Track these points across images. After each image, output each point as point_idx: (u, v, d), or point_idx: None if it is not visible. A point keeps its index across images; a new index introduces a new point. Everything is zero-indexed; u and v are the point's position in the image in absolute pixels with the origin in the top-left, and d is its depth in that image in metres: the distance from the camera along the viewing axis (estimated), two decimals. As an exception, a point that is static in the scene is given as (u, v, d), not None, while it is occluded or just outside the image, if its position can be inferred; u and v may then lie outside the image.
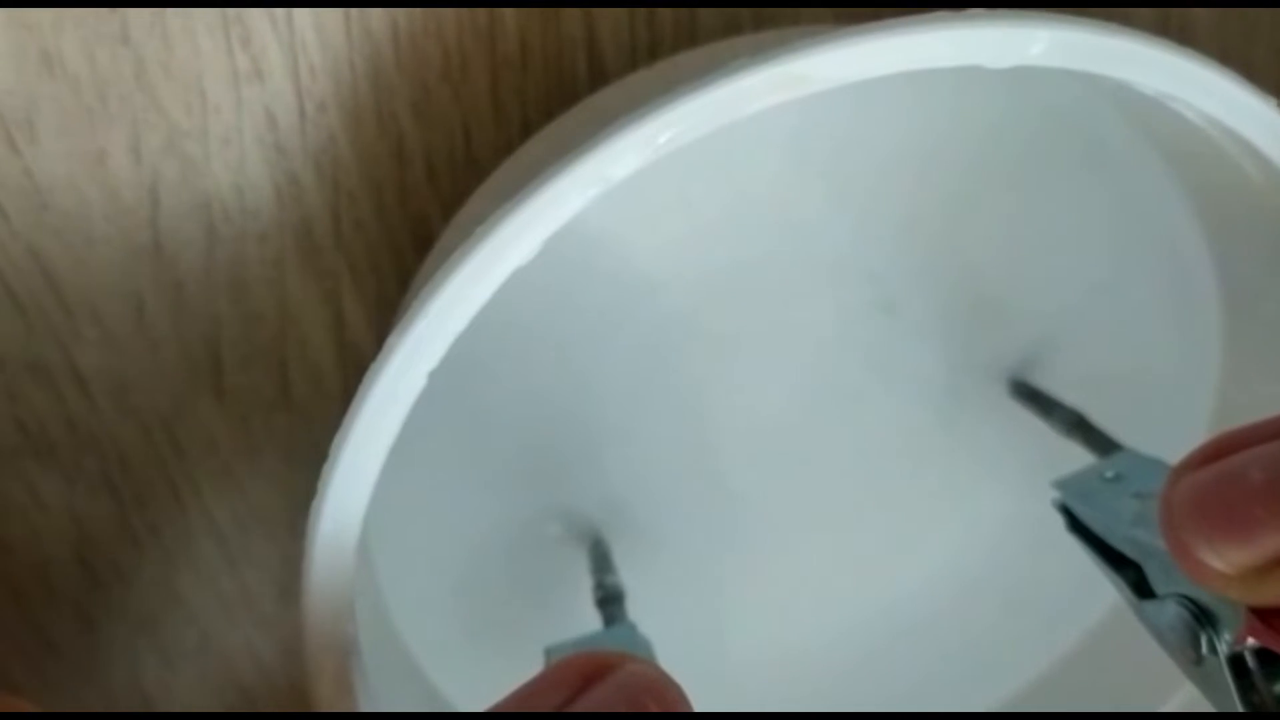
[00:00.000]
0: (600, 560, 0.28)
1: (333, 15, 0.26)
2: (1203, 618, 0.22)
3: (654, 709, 0.19)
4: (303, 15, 0.26)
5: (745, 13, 0.28)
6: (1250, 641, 0.21)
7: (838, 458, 0.30)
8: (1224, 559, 0.20)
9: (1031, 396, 0.29)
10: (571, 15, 0.27)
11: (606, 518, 0.29)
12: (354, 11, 0.26)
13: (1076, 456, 0.27)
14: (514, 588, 0.29)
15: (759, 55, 0.20)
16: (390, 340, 0.21)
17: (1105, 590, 0.25)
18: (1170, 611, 0.22)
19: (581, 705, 0.19)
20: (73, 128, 0.26)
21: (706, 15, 0.27)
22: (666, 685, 0.19)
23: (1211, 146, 0.24)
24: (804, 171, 0.28)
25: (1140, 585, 0.23)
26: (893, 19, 0.21)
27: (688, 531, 0.30)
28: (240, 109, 0.26)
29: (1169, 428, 0.28)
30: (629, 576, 0.28)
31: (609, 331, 0.28)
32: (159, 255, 0.27)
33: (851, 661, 0.31)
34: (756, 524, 0.30)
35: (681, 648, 0.24)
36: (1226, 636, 0.21)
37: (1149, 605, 0.23)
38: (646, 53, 0.27)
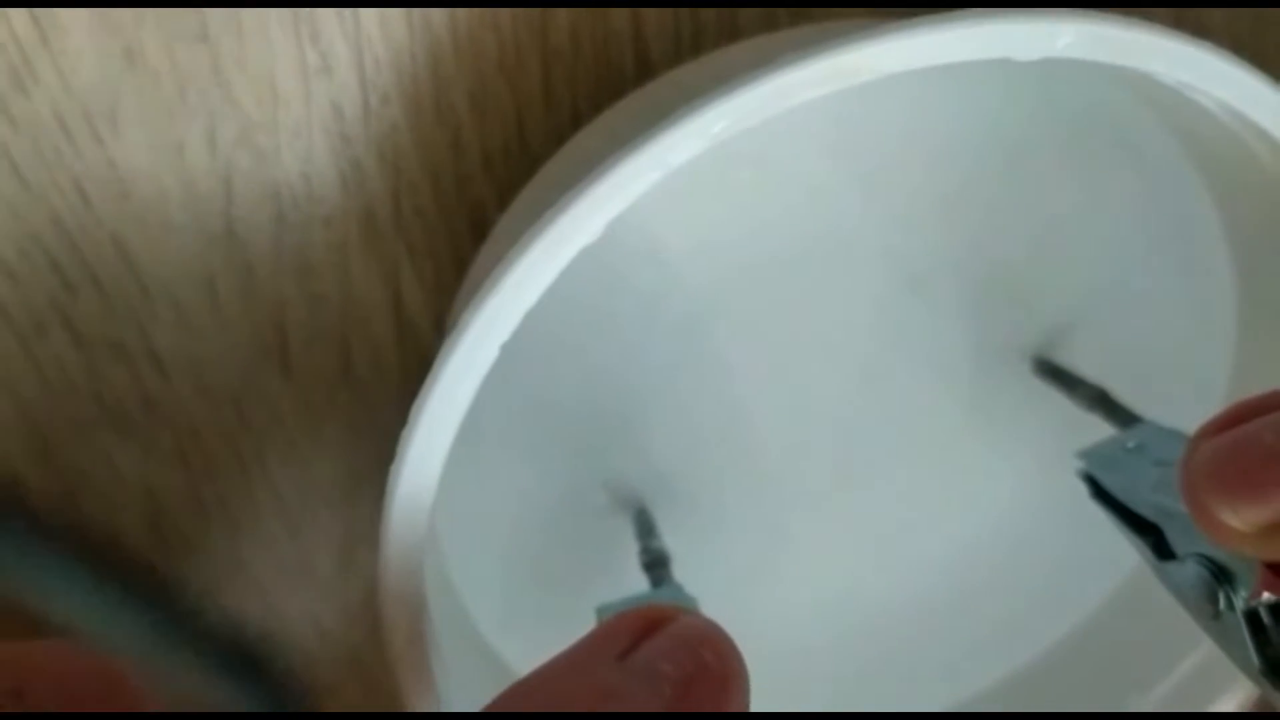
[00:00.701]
0: (644, 526, 0.30)
1: (396, 12, 0.27)
2: (1220, 575, 0.23)
3: (709, 658, 0.20)
4: (369, 12, 0.27)
5: (783, 11, 0.29)
6: (1265, 596, 0.22)
7: (868, 431, 0.32)
8: (1241, 518, 0.21)
9: (1054, 374, 0.30)
10: (619, 9, 0.28)
11: (650, 487, 0.31)
12: (415, 8, 0.27)
13: (1094, 430, 0.29)
14: (565, 552, 0.31)
15: (808, 49, 0.22)
16: (466, 315, 0.22)
17: (1120, 560, 0.26)
18: (1190, 570, 0.24)
19: (641, 655, 0.20)
20: (153, 120, 0.27)
21: (747, 11, 0.29)
22: (720, 635, 0.21)
23: (1226, 132, 0.26)
24: (837, 161, 0.29)
25: (1161, 547, 0.25)
26: (929, 15, 0.22)
27: (726, 501, 0.32)
28: (309, 102, 0.28)
29: (1185, 401, 0.29)
30: (673, 543, 0.29)
31: (652, 312, 0.30)
32: (231, 240, 0.29)
33: (880, 622, 0.33)
34: (791, 493, 0.32)
35: (722, 608, 0.26)
36: (1242, 592, 0.23)
37: (1169, 566, 0.24)
38: (690, 44, 0.29)
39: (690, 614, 0.21)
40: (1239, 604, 0.23)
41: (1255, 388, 0.30)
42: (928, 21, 0.22)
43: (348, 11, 0.27)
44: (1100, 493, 0.26)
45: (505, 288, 0.22)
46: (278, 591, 0.33)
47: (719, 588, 0.28)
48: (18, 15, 0.26)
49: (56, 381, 0.29)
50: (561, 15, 0.28)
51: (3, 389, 0.29)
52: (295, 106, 0.28)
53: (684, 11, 0.29)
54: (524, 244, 0.22)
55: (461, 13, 0.28)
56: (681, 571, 0.28)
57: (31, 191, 0.27)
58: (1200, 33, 0.32)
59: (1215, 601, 0.23)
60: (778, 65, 0.22)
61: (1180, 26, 0.31)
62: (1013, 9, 0.22)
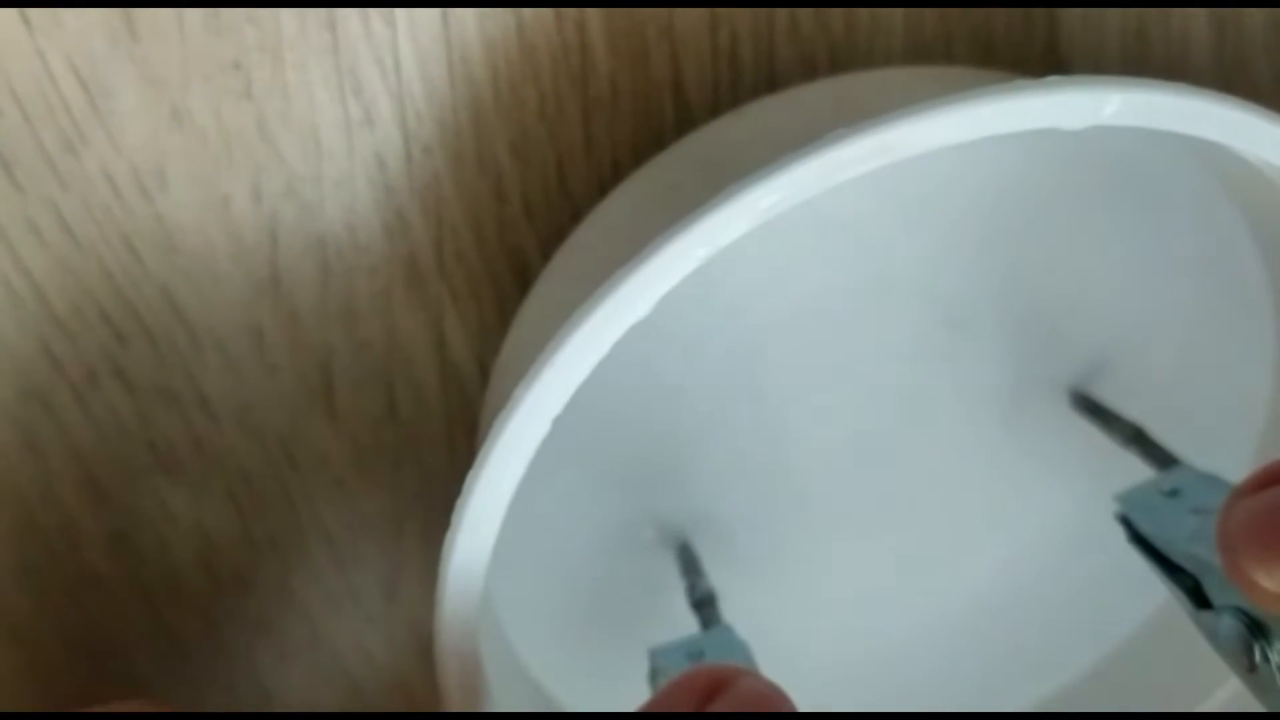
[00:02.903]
0: (689, 563, 0.30)
1: (438, 66, 0.27)
2: (1256, 630, 0.24)
3: None
4: (410, 66, 0.27)
5: (821, 50, 0.29)
6: (1301, 653, 0.23)
7: (908, 465, 0.32)
8: (1275, 580, 0.22)
9: (1092, 409, 0.30)
10: (659, 56, 0.29)
11: (694, 521, 0.31)
12: (457, 61, 0.28)
13: (1132, 462, 0.29)
14: (613, 590, 0.31)
15: (853, 127, 0.22)
16: (518, 390, 0.23)
17: (1155, 587, 0.27)
18: (1225, 623, 0.24)
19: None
20: (200, 176, 0.27)
21: (784, 55, 0.29)
22: (776, 697, 0.22)
23: (1266, 180, 0.26)
24: (878, 201, 0.29)
25: (1197, 594, 0.25)
26: (974, 89, 0.22)
27: (769, 532, 0.32)
28: (352, 154, 0.28)
29: (1224, 437, 0.30)
30: (717, 577, 0.30)
31: (695, 351, 0.30)
32: (277, 290, 0.29)
33: (918, 653, 0.34)
34: (832, 527, 0.32)
35: (766, 642, 0.27)
36: (1278, 646, 0.23)
37: (1205, 615, 0.25)
38: (729, 93, 0.29)
39: (748, 675, 0.22)
40: (1274, 658, 0.24)
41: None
42: (973, 96, 0.22)
43: (390, 66, 0.27)
44: (1137, 537, 0.27)
45: (556, 365, 0.22)
46: (326, 622, 0.33)
47: (763, 618, 0.29)
48: (65, 80, 0.26)
49: (109, 428, 0.30)
50: (602, 65, 0.28)
51: (58, 436, 0.29)
52: (339, 159, 0.28)
53: (722, 60, 0.29)
54: (573, 323, 0.22)
55: (502, 65, 0.28)
56: (725, 601, 0.29)
57: (82, 248, 0.28)
58: (1241, 45, 0.32)
59: (1251, 654, 0.24)
60: (825, 142, 0.22)
61: (1218, 29, 0.31)
62: (1058, 79, 0.23)
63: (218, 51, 0.26)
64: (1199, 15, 0.30)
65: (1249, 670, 0.24)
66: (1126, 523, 0.27)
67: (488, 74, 0.28)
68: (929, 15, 0.29)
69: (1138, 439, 0.29)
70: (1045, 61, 0.30)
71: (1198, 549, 0.25)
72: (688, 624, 0.29)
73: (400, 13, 0.27)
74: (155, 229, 0.28)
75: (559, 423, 0.26)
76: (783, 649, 0.27)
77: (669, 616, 0.29)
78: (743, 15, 0.28)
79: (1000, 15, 0.29)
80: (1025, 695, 0.34)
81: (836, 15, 0.29)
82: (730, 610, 0.29)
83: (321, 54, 0.27)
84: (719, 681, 0.21)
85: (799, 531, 0.32)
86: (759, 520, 0.32)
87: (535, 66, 0.28)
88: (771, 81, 0.29)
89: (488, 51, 0.28)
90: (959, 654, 0.34)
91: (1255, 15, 0.31)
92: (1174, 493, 0.27)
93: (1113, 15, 0.30)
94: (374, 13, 0.27)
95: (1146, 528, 0.27)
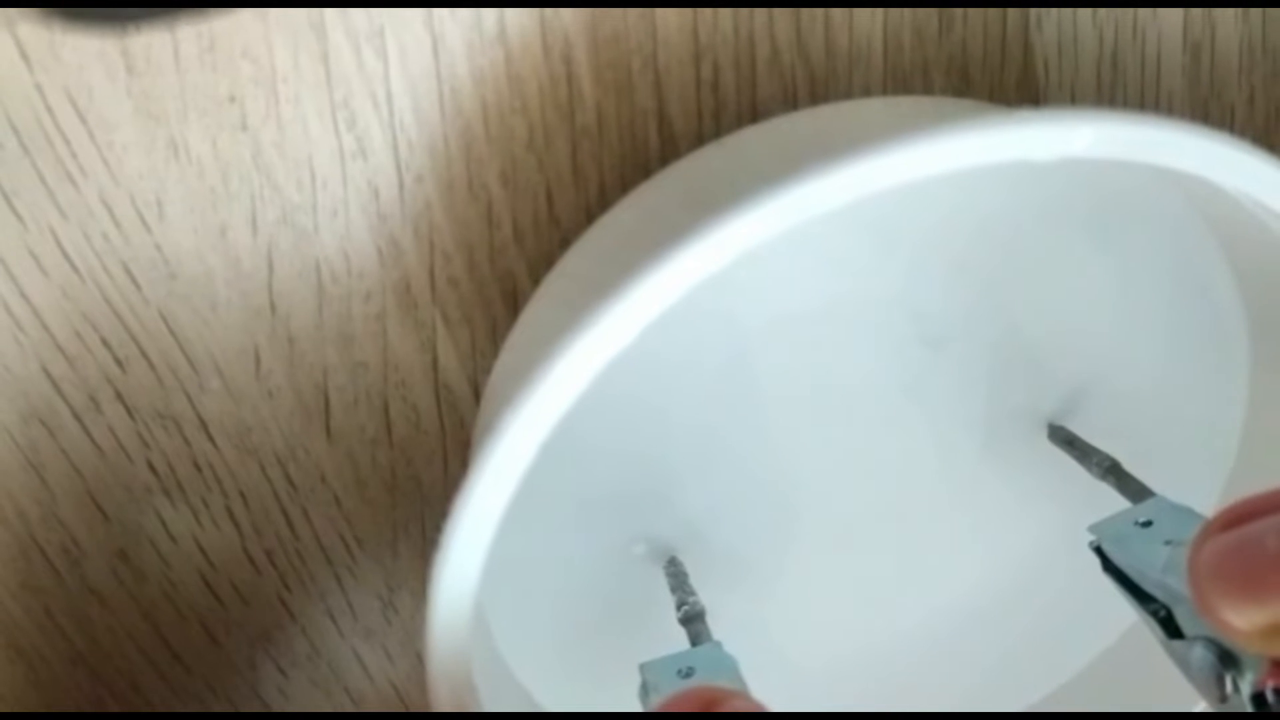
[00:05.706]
0: (677, 578, 0.31)
1: (429, 98, 0.28)
2: (1227, 659, 0.24)
3: None
4: (402, 99, 0.28)
5: (800, 78, 0.30)
6: (1271, 684, 0.23)
7: (892, 483, 0.32)
8: (1244, 618, 0.22)
9: (1068, 441, 0.31)
10: (644, 87, 0.29)
11: (683, 539, 0.32)
12: (447, 92, 0.28)
13: (1106, 491, 0.29)
14: (605, 605, 0.32)
15: (829, 162, 0.22)
16: (505, 417, 0.23)
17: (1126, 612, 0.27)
18: (1197, 653, 0.24)
19: None
20: (197, 206, 0.28)
21: (765, 86, 0.30)
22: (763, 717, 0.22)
23: (1243, 210, 0.26)
24: (860, 223, 0.30)
25: (1169, 624, 0.26)
26: (950, 124, 0.23)
27: (756, 548, 0.33)
28: (346, 183, 0.29)
29: (1197, 468, 0.30)
30: (707, 590, 0.30)
31: (680, 372, 0.30)
32: (274, 315, 0.30)
33: (901, 665, 0.34)
34: (818, 541, 0.33)
35: (754, 654, 0.27)
36: (1249, 676, 0.24)
37: (1177, 644, 0.25)
38: (711, 121, 0.30)
39: (737, 697, 0.23)
40: (1245, 689, 0.24)
41: (1266, 458, 0.31)
42: (947, 130, 0.22)
43: (382, 99, 0.28)
44: (1111, 567, 0.27)
45: (539, 395, 0.23)
46: (323, 637, 0.34)
47: (751, 630, 0.29)
48: (63, 112, 0.27)
49: (110, 451, 0.30)
50: (588, 95, 0.29)
51: (60, 459, 0.30)
52: (333, 188, 0.29)
53: (705, 90, 0.29)
54: (556, 354, 0.23)
55: (491, 96, 0.28)
56: (716, 614, 0.30)
57: (82, 275, 0.28)
58: (1215, 69, 0.32)
59: (1222, 684, 0.24)
60: (802, 176, 0.22)
61: (1193, 54, 0.31)
62: (1030, 113, 0.23)
63: (213, 85, 0.27)
64: (1173, 40, 0.31)
65: (1220, 700, 0.24)
66: (1100, 553, 0.28)
67: (477, 105, 0.28)
68: (907, 45, 0.30)
69: (1113, 471, 0.29)
70: (1021, 89, 0.30)
71: (1170, 580, 0.25)
72: (682, 637, 0.29)
73: (392, 47, 0.27)
74: (154, 257, 0.29)
75: (547, 444, 0.27)
76: (770, 661, 0.28)
77: (662, 630, 0.30)
78: (725, 46, 0.29)
79: (977, 44, 0.30)
80: (1007, 704, 0.34)
81: (816, 46, 0.29)
82: (720, 622, 0.29)
83: (315, 87, 0.27)
84: (709, 702, 0.22)
85: (785, 546, 0.33)
86: (747, 535, 0.32)
87: (524, 98, 0.29)
88: (753, 110, 0.30)
89: (477, 84, 0.28)
90: (943, 666, 0.34)
91: (1229, 39, 0.31)
92: (1147, 524, 0.27)
93: (1088, 42, 0.30)
94: (366, 46, 0.27)
95: (1119, 558, 0.27)
